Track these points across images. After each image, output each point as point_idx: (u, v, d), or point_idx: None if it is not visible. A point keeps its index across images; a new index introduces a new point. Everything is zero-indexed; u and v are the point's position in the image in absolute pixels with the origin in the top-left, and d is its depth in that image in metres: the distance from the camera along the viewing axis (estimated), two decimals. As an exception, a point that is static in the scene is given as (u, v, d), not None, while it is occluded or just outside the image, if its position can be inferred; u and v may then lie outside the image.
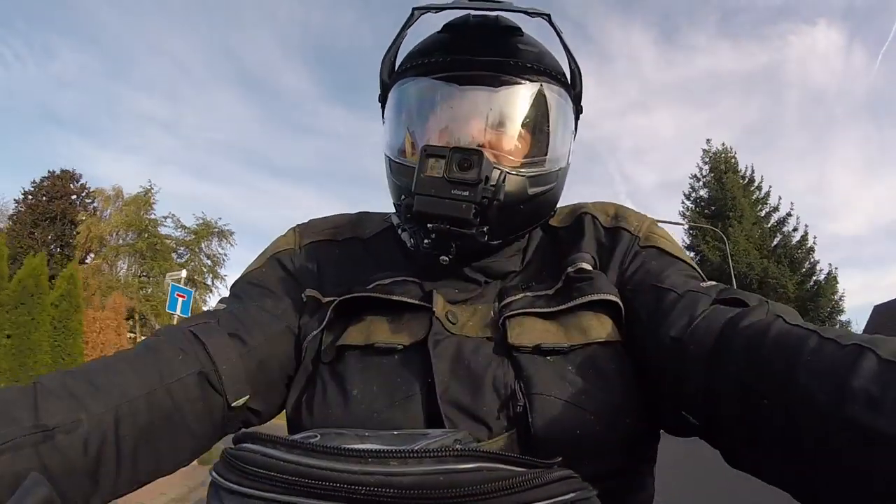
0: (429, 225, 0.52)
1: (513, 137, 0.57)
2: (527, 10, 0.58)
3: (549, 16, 0.57)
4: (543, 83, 0.59)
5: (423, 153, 0.52)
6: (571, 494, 0.32)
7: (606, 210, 0.64)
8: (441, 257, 0.54)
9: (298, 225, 0.67)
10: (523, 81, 0.57)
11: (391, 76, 0.64)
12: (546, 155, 0.58)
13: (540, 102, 0.58)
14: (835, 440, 0.34)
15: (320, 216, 0.69)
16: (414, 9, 0.58)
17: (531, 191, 0.56)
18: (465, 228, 0.51)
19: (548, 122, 0.58)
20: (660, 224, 0.64)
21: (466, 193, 0.50)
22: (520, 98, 0.57)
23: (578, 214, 0.64)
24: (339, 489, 0.30)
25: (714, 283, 0.54)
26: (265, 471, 0.32)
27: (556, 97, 0.59)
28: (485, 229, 0.52)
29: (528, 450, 0.45)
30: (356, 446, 0.32)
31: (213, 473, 0.35)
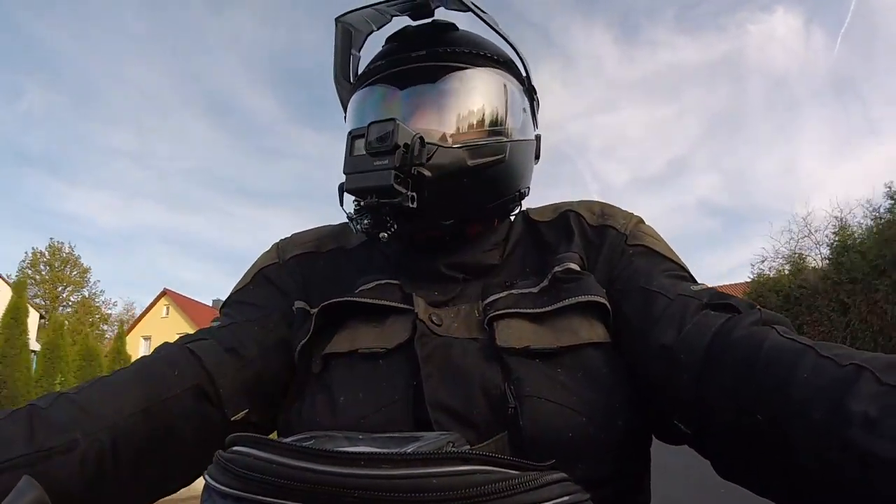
0: (361, 203, 0.52)
1: (448, 119, 0.57)
2: (446, 3, 0.59)
3: (468, 7, 0.58)
4: (478, 65, 0.60)
5: (349, 136, 0.54)
6: (566, 497, 0.32)
7: (592, 208, 0.63)
8: (380, 234, 0.54)
9: (281, 239, 0.67)
10: (457, 65, 0.59)
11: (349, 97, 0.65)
12: (485, 129, 0.58)
13: (476, 84, 0.59)
14: (830, 460, 0.34)
15: (301, 230, 0.69)
16: (336, 20, 0.60)
17: (471, 162, 0.55)
18: (391, 197, 0.51)
19: (486, 100, 0.59)
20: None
21: (385, 162, 0.51)
22: (454, 80, 0.58)
23: (563, 212, 0.64)
24: (331, 492, 0.30)
25: (704, 286, 0.53)
26: (258, 474, 0.31)
27: (494, 76, 0.60)
28: (411, 195, 0.52)
29: (520, 453, 0.45)
30: (349, 449, 0.32)
31: (207, 476, 0.35)
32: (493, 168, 0.57)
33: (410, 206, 0.51)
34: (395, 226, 0.53)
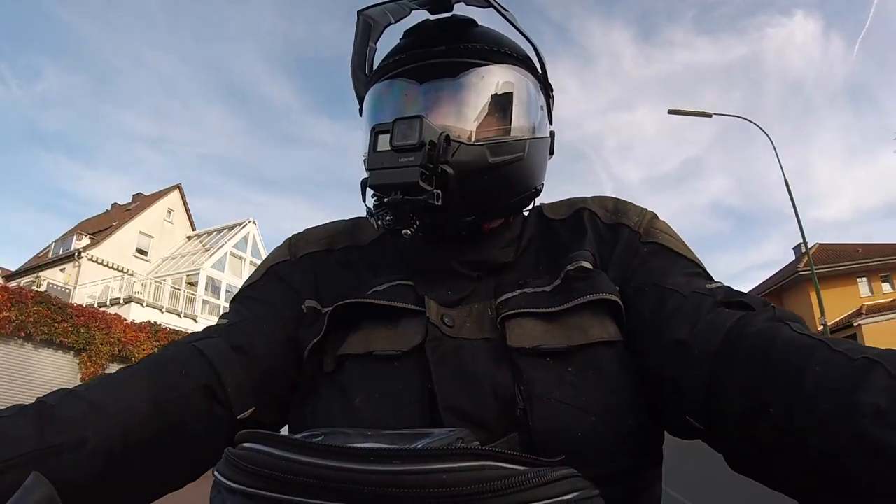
0: (385, 199, 0.52)
1: (469, 115, 0.57)
2: None
3: (489, 3, 0.58)
4: (497, 62, 0.59)
5: (373, 132, 0.53)
6: (574, 493, 0.31)
7: (605, 205, 0.63)
8: (403, 231, 0.54)
9: (293, 235, 0.68)
10: (476, 61, 0.58)
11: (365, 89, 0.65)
12: (505, 126, 0.58)
13: (495, 80, 0.58)
14: (841, 451, 0.34)
15: (314, 225, 0.69)
16: (358, 13, 0.60)
17: (492, 160, 0.55)
18: (416, 194, 0.51)
19: (505, 97, 0.59)
20: None
21: (411, 158, 0.50)
22: (473, 76, 0.58)
23: (577, 209, 0.64)
24: (342, 488, 0.30)
25: (720, 283, 0.53)
26: (268, 470, 0.31)
27: (512, 74, 0.60)
28: (436, 192, 0.52)
29: (530, 453, 0.45)
30: (359, 445, 0.32)
31: (216, 473, 0.35)
32: (512, 165, 0.57)
33: (436, 203, 0.51)
34: (418, 222, 0.53)
